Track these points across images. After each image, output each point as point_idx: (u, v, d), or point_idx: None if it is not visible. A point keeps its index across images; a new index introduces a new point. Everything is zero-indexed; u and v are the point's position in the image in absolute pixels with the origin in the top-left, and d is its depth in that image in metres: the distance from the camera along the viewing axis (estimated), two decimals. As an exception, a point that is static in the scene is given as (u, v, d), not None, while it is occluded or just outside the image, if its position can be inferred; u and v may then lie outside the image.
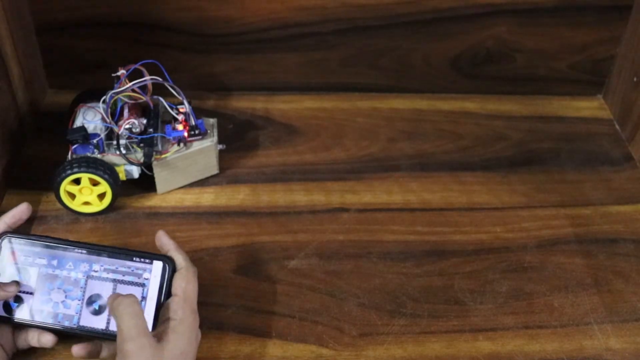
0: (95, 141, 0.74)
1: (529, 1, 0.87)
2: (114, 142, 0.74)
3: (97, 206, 0.75)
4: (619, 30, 0.90)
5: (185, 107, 0.76)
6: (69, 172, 0.72)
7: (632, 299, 0.71)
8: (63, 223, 0.75)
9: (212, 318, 0.66)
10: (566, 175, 0.84)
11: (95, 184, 0.73)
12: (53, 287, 0.61)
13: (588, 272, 0.73)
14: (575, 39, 0.91)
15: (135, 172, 0.75)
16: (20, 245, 0.62)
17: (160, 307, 0.60)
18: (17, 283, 0.61)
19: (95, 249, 0.61)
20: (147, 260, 0.61)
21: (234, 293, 0.69)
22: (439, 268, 0.73)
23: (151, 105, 0.76)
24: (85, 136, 0.73)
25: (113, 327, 0.60)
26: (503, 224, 0.77)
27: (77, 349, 0.60)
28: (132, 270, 0.61)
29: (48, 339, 0.61)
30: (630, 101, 0.89)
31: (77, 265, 0.61)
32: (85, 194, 0.74)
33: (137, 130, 0.74)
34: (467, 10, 0.87)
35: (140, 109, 0.77)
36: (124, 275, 0.61)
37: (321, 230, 0.76)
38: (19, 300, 0.61)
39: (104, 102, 0.74)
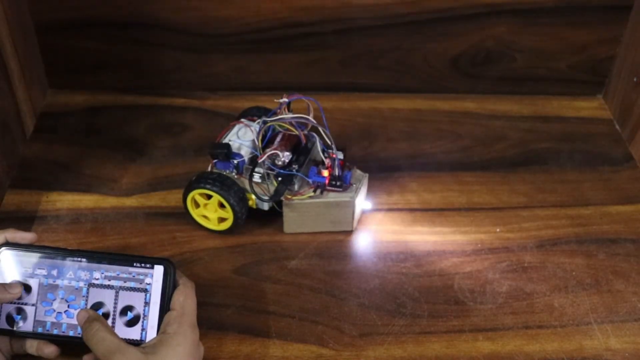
0: (236, 162, 0.71)
1: (529, 1, 0.87)
2: (252, 168, 0.71)
3: (214, 226, 0.73)
4: (619, 30, 0.90)
5: (334, 154, 0.71)
6: (202, 184, 0.70)
7: (632, 299, 0.71)
8: (63, 223, 0.75)
9: (212, 318, 0.66)
10: (566, 175, 0.84)
11: (222, 206, 0.72)
12: (55, 297, 0.60)
13: (588, 272, 0.73)
14: (575, 39, 0.91)
15: (266, 205, 0.72)
16: (18, 257, 0.60)
17: (165, 311, 0.59)
18: (20, 284, 0.60)
19: (95, 257, 0.61)
20: (147, 265, 0.60)
21: (234, 293, 0.69)
22: (439, 268, 0.73)
23: (303, 141, 0.72)
24: (227, 154, 0.70)
25: (118, 333, 0.59)
26: (503, 224, 0.77)
27: (89, 359, 0.59)
28: (134, 276, 0.60)
29: (51, 350, 0.60)
30: (630, 101, 0.89)
31: (77, 274, 0.60)
32: (210, 210, 0.73)
33: (280, 162, 0.70)
34: (467, 10, 0.87)
35: (292, 141, 0.72)
36: (125, 282, 0.60)
37: (321, 230, 0.76)
38: (21, 312, 0.60)
39: (258, 124, 0.72)
